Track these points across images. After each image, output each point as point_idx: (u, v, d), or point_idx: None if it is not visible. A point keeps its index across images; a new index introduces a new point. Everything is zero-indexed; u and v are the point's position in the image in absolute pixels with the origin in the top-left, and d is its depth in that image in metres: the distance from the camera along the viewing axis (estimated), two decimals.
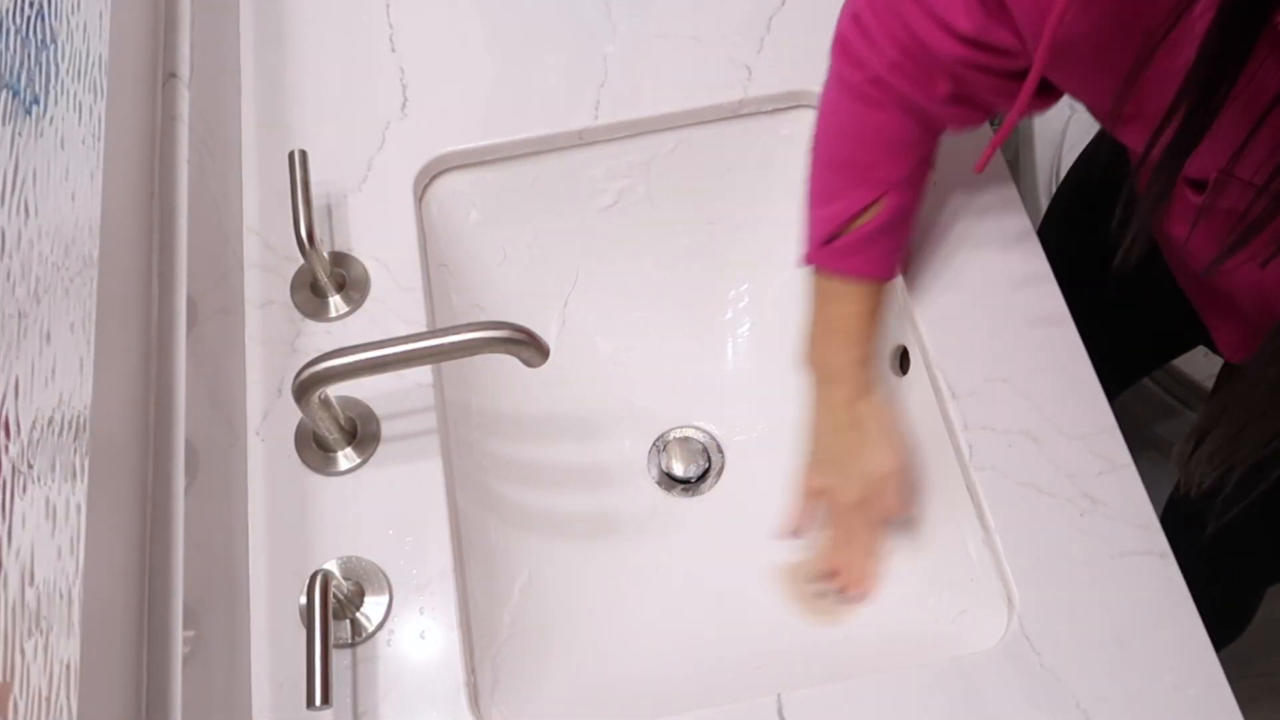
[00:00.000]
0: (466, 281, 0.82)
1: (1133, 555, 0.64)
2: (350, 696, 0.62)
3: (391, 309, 0.73)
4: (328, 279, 0.73)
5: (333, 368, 0.60)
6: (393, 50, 0.84)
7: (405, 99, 0.81)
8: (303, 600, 0.63)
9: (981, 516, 0.66)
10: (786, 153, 0.84)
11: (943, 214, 0.76)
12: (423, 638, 0.64)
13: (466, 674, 0.63)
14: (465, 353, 0.62)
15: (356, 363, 0.61)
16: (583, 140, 0.81)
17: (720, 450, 0.83)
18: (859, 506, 0.70)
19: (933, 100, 0.62)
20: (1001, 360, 0.70)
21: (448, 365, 0.75)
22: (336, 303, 0.73)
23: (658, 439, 0.84)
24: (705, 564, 0.78)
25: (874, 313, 0.69)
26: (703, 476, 0.82)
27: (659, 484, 0.82)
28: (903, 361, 0.77)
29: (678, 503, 0.82)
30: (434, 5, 0.86)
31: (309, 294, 0.74)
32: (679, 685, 0.69)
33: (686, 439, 0.83)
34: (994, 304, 0.72)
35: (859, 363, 0.69)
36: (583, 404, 0.84)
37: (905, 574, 0.73)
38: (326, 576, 0.58)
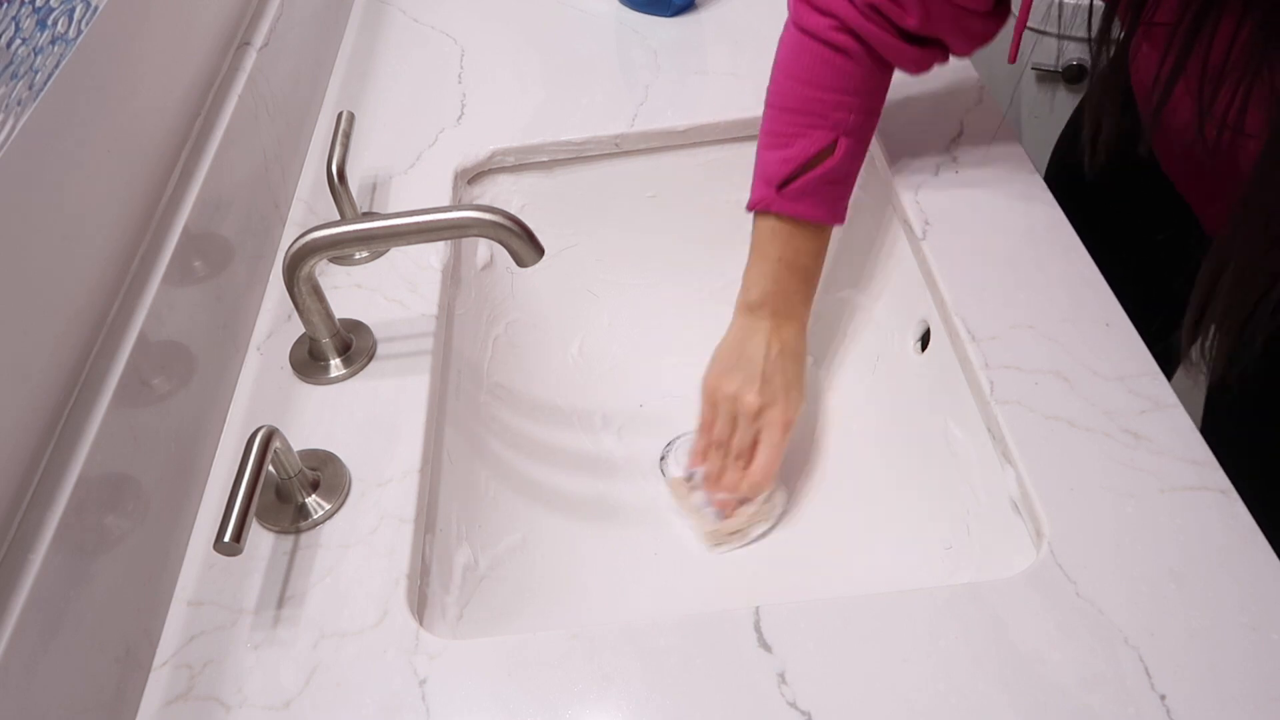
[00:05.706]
0: (494, 274, 0.83)
1: (1187, 490, 0.55)
2: (281, 581, 0.56)
3: (412, 258, 0.75)
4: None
5: (321, 238, 0.61)
6: (459, 83, 0.92)
7: (462, 113, 0.88)
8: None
9: (1004, 449, 0.58)
10: None
11: (960, 180, 0.74)
12: (373, 533, 0.58)
13: (411, 566, 0.56)
14: (455, 233, 0.62)
15: (345, 233, 0.62)
16: (619, 149, 0.85)
17: None
18: (773, 430, 0.69)
19: (897, 38, 0.63)
20: (1027, 309, 0.65)
21: (459, 313, 0.75)
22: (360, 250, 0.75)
23: (670, 441, 0.79)
24: (705, 562, 0.70)
25: (823, 255, 0.71)
26: None
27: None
28: (924, 341, 0.71)
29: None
30: (501, 51, 0.96)
31: None
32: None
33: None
34: (1017, 263, 0.68)
35: (808, 301, 0.71)
36: (601, 402, 0.81)
37: (912, 508, 0.65)
38: (270, 432, 0.55)
